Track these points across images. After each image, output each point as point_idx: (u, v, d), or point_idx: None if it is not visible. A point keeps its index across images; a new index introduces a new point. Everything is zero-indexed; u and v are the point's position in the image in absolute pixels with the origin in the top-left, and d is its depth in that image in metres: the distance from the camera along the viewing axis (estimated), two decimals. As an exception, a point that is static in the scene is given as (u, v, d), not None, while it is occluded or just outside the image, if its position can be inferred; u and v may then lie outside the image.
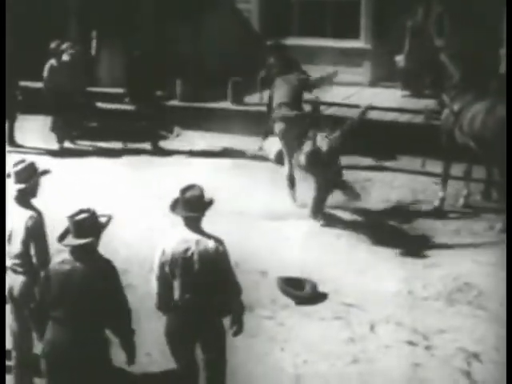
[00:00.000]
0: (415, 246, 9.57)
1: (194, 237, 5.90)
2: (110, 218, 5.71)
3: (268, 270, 8.87)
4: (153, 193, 10.84)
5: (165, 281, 5.91)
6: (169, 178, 11.05)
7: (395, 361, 7.13)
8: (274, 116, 10.88)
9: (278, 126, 10.75)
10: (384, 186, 11.30)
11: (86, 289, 5.47)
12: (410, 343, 7.43)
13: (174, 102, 14.64)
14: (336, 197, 10.54)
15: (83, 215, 5.53)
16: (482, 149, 10.08)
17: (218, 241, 5.96)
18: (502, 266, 8.89)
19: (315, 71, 13.70)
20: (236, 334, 6.18)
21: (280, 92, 10.94)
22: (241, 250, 9.32)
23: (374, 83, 15.46)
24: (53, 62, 13.37)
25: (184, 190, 5.96)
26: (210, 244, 5.89)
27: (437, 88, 11.16)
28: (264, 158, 12.81)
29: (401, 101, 14.17)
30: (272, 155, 12.68)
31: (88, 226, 5.51)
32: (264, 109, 11.99)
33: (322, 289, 8.43)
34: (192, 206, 5.89)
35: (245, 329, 7.60)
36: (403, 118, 13.20)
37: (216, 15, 15.73)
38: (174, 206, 6.01)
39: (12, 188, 6.60)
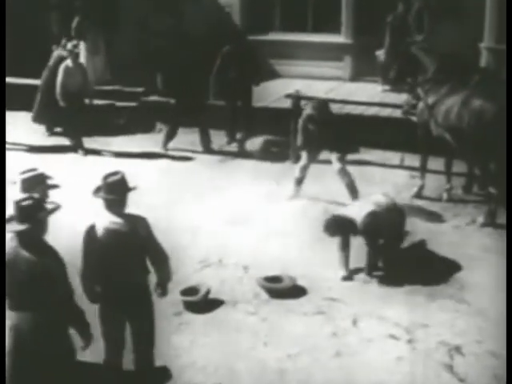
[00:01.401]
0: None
1: (119, 220, 6.13)
2: (57, 206, 5.78)
3: (251, 266, 8.88)
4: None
5: (93, 266, 6.11)
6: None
7: (378, 355, 7.15)
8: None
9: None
10: (365, 181, 11.29)
11: (31, 276, 5.47)
12: (393, 337, 7.46)
13: (155, 98, 14.56)
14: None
15: (26, 202, 5.56)
16: (458, 141, 10.09)
17: (141, 218, 6.24)
18: (484, 259, 8.97)
19: (296, 66, 13.73)
20: (160, 295, 6.49)
21: None
22: (224, 245, 9.36)
23: (354, 78, 15.51)
24: (68, 62, 13.05)
25: (107, 176, 6.20)
26: (135, 223, 6.16)
27: (403, 77, 11.27)
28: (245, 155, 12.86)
29: (381, 95, 14.22)
30: (255, 152, 12.77)
31: (29, 212, 5.51)
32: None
33: (303, 284, 8.44)
34: (113, 189, 6.13)
35: (228, 324, 7.65)
36: (384, 112, 13.22)
37: (197, 10, 15.68)
38: (97, 191, 6.23)
39: (16, 196, 6.52)
